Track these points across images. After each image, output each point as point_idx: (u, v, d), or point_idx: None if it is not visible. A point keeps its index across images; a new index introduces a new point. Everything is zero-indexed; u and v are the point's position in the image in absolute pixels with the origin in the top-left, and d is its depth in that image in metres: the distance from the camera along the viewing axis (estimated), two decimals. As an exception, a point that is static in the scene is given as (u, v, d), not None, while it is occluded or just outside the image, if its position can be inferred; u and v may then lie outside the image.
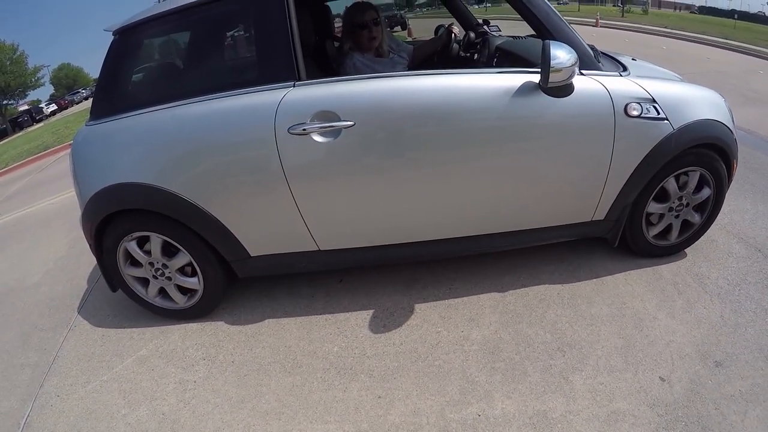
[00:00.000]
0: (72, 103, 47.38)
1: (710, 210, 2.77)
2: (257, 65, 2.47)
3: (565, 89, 2.26)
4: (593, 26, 22.55)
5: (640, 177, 2.48)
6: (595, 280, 2.79)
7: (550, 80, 2.16)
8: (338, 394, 2.28)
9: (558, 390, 2.14)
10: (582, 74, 2.33)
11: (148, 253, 2.69)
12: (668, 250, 2.89)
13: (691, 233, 2.86)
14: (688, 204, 2.72)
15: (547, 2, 2.39)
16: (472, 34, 3.51)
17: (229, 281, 2.83)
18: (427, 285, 2.92)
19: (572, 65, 2.14)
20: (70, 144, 3.24)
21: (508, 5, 2.46)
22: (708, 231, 2.90)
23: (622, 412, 2.00)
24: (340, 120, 2.27)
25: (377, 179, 2.41)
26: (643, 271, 2.81)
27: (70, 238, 4.64)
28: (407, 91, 2.33)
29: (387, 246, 2.63)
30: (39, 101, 50.34)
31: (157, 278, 2.77)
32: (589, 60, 2.39)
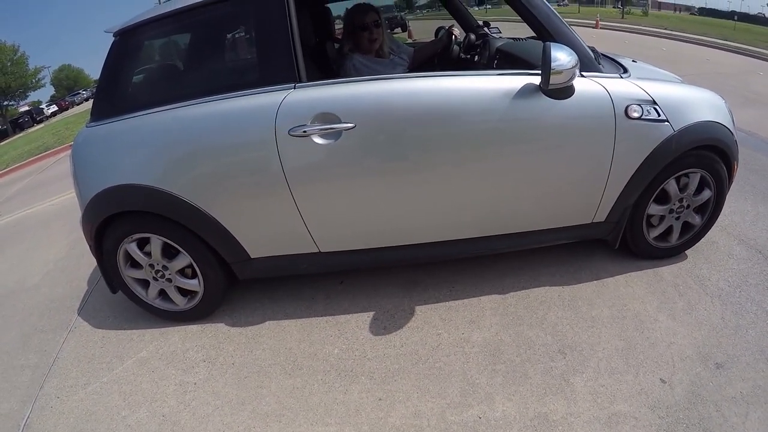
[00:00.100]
0: (72, 104, 47.43)
1: (711, 212, 2.77)
2: (258, 67, 2.47)
3: (565, 91, 2.25)
4: (593, 28, 22.54)
5: (641, 179, 2.48)
6: (595, 282, 2.79)
7: (550, 82, 2.16)
8: (339, 396, 2.28)
9: (559, 392, 2.14)
10: (582, 76, 2.33)
11: (149, 254, 2.69)
12: (669, 252, 2.89)
13: (692, 235, 2.85)
14: (688, 206, 2.72)
15: (548, 4, 2.39)
16: (473, 36, 3.51)
17: (229, 283, 2.83)
18: (428, 287, 2.91)
19: (573, 67, 2.14)
20: (70, 145, 3.23)
21: (508, 7, 2.46)
22: (709, 233, 2.90)
23: (623, 414, 2.00)
24: (340, 122, 2.27)
25: (378, 181, 2.41)
26: (644, 273, 2.81)
27: (70, 239, 4.64)
28: (408, 93, 2.32)
29: (387, 248, 2.63)
30: (40, 102, 50.37)
31: (157, 280, 2.77)
32: (589, 62, 2.39)
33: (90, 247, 2.75)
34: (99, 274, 3.38)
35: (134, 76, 2.72)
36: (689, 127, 2.45)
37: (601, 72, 2.42)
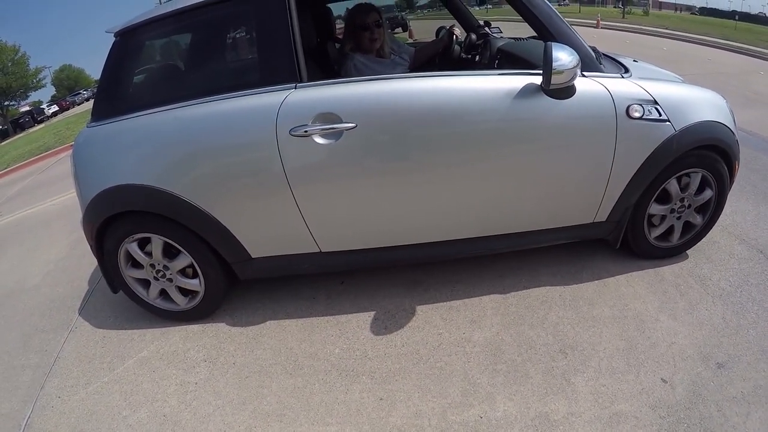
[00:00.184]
0: (73, 104, 47.45)
1: (712, 211, 2.77)
2: (259, 67, 2.46)
3: (566, 91, 2.25)
4: (594, 27, 22.55)
5: (642, 179, 2.48)
6: (596, 281, 2.78)
7: (552, 82, 2.15)
8: (340, 395, 2.28)
9: (560, 392, 2.14)
10: (584, 76, 2.33)
11: (150, 254, 2.69)
12: (670, 252, 2.89)
13: (693, 235, 2.85)
14: (689, 205, 2.71)
15: (549, 3, 2.39)
16: (474, 36, 3.51)
17: (230, 283, 2.83)
18: (429, 287, 2.91)
19: (574, 67, 2.14)
20: (71, 145, 3.23)
21: (509, 7, 2.46)
22: (710, 232, 2.90)
23: (624, 414, 2.00)
24: (341, 122, 2.27)
25: (379, 181, 2.41)
26: (645, 273, 2.81)
27: (71, 239, 4.64)
28: (409, 93, 2.32)
29: (388, 248, 2.63)
30: (40, 102, 50.44)
31: (158, 280, 2.77)
32: (590, 62, 2.39)
33: (91, 247, 2.75)
34: (100, 274, 3.38)
35: (135, 77, 2.72)
36: (690, 127, 2.45)
37: (603, 72, 2.42)
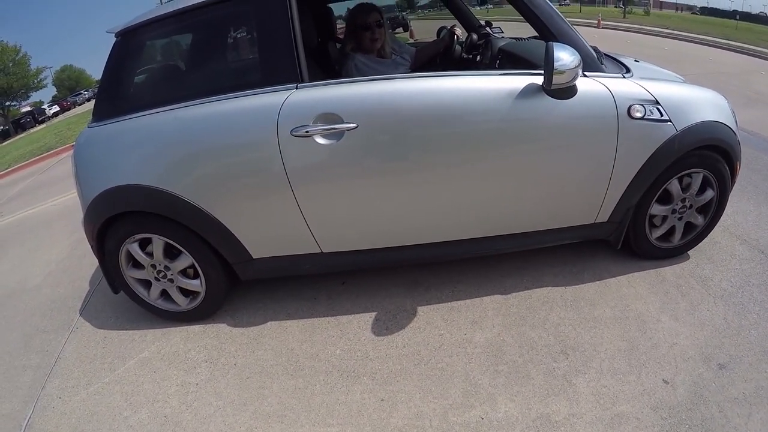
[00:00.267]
0: (74, 104, 47.51)
1: (713, 212, 2.77)
2: (260, 67, 2.46)
3: (568, 91, 2.25)
4: (595, 27, 22.54)
5: (644, 179, 2.48)
6: (598, 282, 2.78)
7: (553, 82, 2.15)
8: (341, 396, 2.28)
9: (561, 393, 2.13)
10: (585, 76, 2.32)
11: (150, 255, 2.69)
12: (671, 253, 2.89)
13: (694, 235, 2.85)
14: (691, 206, 2.71)
15: (550, 3, 2.38)
16: (475, 36, 3.51)
17: (231, 283, 2.83)
18: (430, 287, 2.91)
19: (575, 67, 2.13)
20: (72, 145, 3.23)
21: (510, 7, 2.46)
22: (711, 233, 2.89)
23: (625, 415, 2.00)
24: (342, 122, 2.27)
25: (380, 181, 2.41)
26: (646, 274, 2.80)
27: (72, 239, 4.64)
28: (410, 93, 2.32)
29: (389, 248, 2.63)
30: (41, 103, 50.46)
31: (159, 280, 2.77)
32: (592, 62, 2.39)
33: (92, 247, 2.75)
34: (101, 275, 3.38)
35: (136, 77, 2.72)
36: (692, 127, 2.44)
37: (604, 72, 2.42)
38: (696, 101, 2.55)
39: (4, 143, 28.86)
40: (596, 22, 23.75)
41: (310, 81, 2.35)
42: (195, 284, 2.76)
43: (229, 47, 2.94)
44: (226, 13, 2.53)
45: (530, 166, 2.42)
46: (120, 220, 2.59)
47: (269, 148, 2.32)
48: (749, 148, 4.13)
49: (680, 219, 2.75)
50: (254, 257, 2.65)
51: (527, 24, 2.45)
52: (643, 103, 2.36)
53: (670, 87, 2.53)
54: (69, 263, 4.17)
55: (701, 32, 20.35)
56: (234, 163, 2.41)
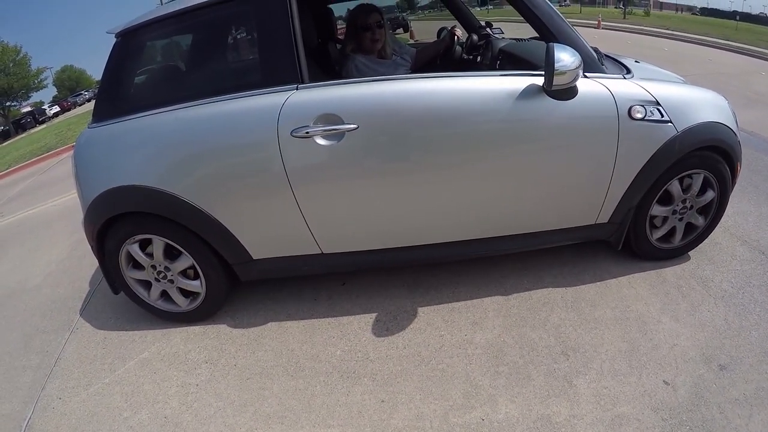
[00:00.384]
0: (75, 105, 47.56)
1: (714, 213, 2.76)
2: (260, 68, 2.46)
3: (569, 92, 2.24)
4: (595, 28, 22.55)
5: (644, 180, 2.48)
6: (598, 283, 2.78)
7: (554, 83, 2.15)
8: (341, 397, 2.28)
9: (562, 394, 2.13)
10: (586, 77, 2.32)
11: (151, 255, 2.69)
12: (672, 253, 2.88)
13: (695, 236, 2.85)
14: (691, 207, 2.71)
15: (550, 4, 2.38)
16: (475, 37, 3.51)
17: (231, 284, 2.82)
18: (431, 288, 2.91)
19: (576, 68, 2.13)
20: (72, 146, 3.24)
21: (510, 7, 2.46)
22: (712, 234, 2.89)
23: (626, 416, 1.99)
24: (343, 123, 2.26)
25: (380, 182, 2.41)
26: (647, 275, 2.80)
27: (72, 240, 4.64)
28: (410, 94, 2.32)
29: (390, 249, 2.62)
30: (42, 103, 50.50)
31: (159, 281, 2.77)
32: (592, 62, 2.39)
33: (92, 248, 2.75)
34: (101, 275, 3.38)
35: (136, 77, 2.72)
36: (692, 128, 2.44)
37: (605, 73, 2.42)
38: (696, 102, 2.55)
39: (4, 143, 28.88)
40: (596, 22, 23.77)
41: (311, 82, 2.35)
42: (195, 285, 2.76)
43: (230, 48, 2.94)
44: (226, 14, 2.53)
45: (531, 167, 2.42)
46: (120, 220, 2.59)
47: (270, 149, 2.31)
48: (750, 149, 4.13)
49: (681, 220, 2.74)
50: (254, 258, 2.64)
51: (528, 25, 2.45)
52: (643, 103, 2.36)
53: (670, 88, 2.53)
54: (69, 264, 4.17)
55: (701, 33, 20.37)
56: (234, 163, 2.41)
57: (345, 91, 2.35)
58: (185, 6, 2.45)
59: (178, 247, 2.64)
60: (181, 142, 2.45)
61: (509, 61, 2.90)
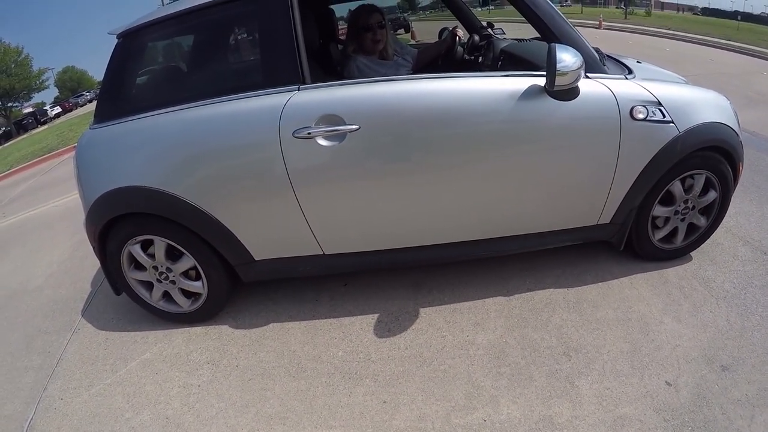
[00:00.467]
0: (76, 105, 47.62)
1: (716, 213, 2.76)
2: (262, 69, 2.46)
3: (570, 92, 2.24)
4: (596, 28, 22.54)
5: (646, 180, 2.47)
6: (600, 284, 2.78)
7: (556, 84, 2.14)
8: (343, 398, 2.28)
9: (564, 395, 2.13)
10: (587, 77, 2.32)
11: (152, 256, 2.69)
12: (674, 254, 2.88)
13: (697, 236, 2.84)
14: (693, 207, 2.70)
15: (551, 4, 2.38)
16: (477, 37, 3.50)
17: (233, 285, 2.83)
18: (432, 289, 2.91)
19: (578, 68, 2.12)
20: (74, 147, 3.24)
21: (512, 8, 2.45)
22: (714, 234, 2.89)
23: (628, 417, 1.99)
24: (345, 124, 2.26)
25: (382, 183, 2.40)
26: (649, 275, 2.80)
27: (73, 241, 4.65)
28: (412, 95, 2.32)
29: (391, 250, 2.62)
30: (43, 104, 50.59)
31: (161, 282, 2.77)
32: (594, 63, 2.38)
33: (94, 249, 2.75)
34: (102, 276, 3.37)
35: (138, 78, 2.72)
36: (694, 128, 2.44)
37: (606, 73, 2.41)
38: (698, 102, 2.54)
39: (6, 144, 28.92)
40: (597, 22, 23.75)
41: (312, 82, 2.35)
42: (197, 286, 2.76)
43: (231, 49, 2.94)
44: (227, 15, 2.53)
45: (532, 167, 2.42)
46: (122, 221, 2.59)
47: (271, 150, 2.31)
48: (751, 149, 4.13)
49: (683, 220, 2.74)
50: (256, 259, 2.64)
51: (529, 25, 2.45)
52: (645, 104, 2.36)
53: (672, 88, 2.53)
54: (71, 264, 4.17)
55: (702, 33, 20.36)
56: (236, 164, 2.41)
57: (347, 92, 2.35)
58: (187, 7, 2.45)
59: (180, 247, 2.64)
60: (183, 143, 2.45)
61: (511, 61, 2.90)
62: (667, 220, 2.73)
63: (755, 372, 2.13)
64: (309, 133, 2.27)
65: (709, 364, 2.19)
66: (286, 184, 2.36)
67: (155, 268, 2.72)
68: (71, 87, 60.51)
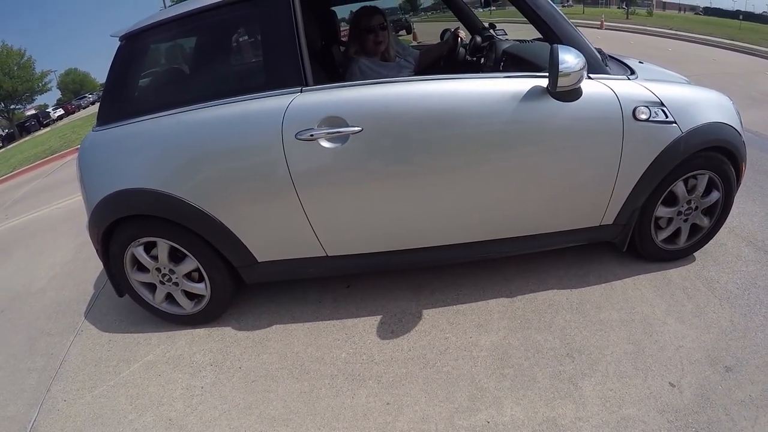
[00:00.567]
0: (79, 107, 47.67)
1: (719, 213, 2.76)
2: (264, 71, 2.46)
3: (573, 93, 2.24)
4: (598, 28, 22.51)
5: (649, 181, 2.47)
6: (603, 285, 2.77)
7: (558, 84, 2.14)
8: (346, 400, 2.28)
9: (567, 396, 2.13)
10: (590, 78, 2.32)
11: (155, 258, 2.69)
12: (677, 254, 2.88)
13: (700, 237, 2.84)
14: (696, 207, 2.70)
15: (553, 4, 2.37)
16: (479, 38, 3.50)
17: (236, 287, 2.83)
18: (435, 290, 2.90)
19: (580, 69, 2.12)
20: (76, 149, 3.24)
21: (513, 9, 2.45)
22: (717, 234, 2.88)
23: (631, 419, 1.99)
24: (347, 125, 2.26)
25: (385, 185, 2.41)
26: (652, 276, 2.79)
27: (76, 242, 4.66)
28: (415, 97, 2.32)
29: (394, 252, 2.62)
30: (46, 106, 50.59)
31: (164, 284, 2.77)
32: (596, 63, 2.38)
33: (97, 250, 2.76)
34: (105, 278, 3.38)
35: (140, 80, 2.73)
36: (697, 129, 2.43)
37: (609, 74, 2.41)
38: (701, 102, 2.54)
39: (9, 146, 28.98)
40: (599, 23, 23.73)
41: (315, 84, 2.35)
42: (200, 288, 2.76)
43: (234, 51, 2.94)
44: (230, 17, 2.53)
45: (535, 168, 2.42)
46: (125, 223, 2.59)
47: (274, 152, 2.31)
48: (754, 149, 4.12)
49: (686, 221, 2.74)
50: (259, 261, 2.64)
51: (531, 26, 2.45)
52: (648, 104, 2.36)
53: (674, 88, 2.53)
54: (74, 266, 4.18)
55: (705, 33, 20.33)
56: (239, 166, 2.41)
57: (349, 94, 2.35)
58: (189, 9, 2.46)
59: (183, 249, 2.64)
60: (186, 145, 2.45)
61: (513, 62, 2.90)
62: (670, 220, 2.73)
63: (759, 373, 2.12)
64: (312, 135, 2.27)
65: (713, 365, 2.19)
66: (289, 186, 2.36)
67: (158, 269, 2.72)
68: (74, 89, 60.50)
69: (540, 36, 2.54)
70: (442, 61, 3.53)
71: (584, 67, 2.14)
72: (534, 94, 2.28)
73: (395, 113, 2.31)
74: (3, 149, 28.18)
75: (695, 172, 2.58)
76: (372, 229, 2.54)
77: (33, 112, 45.14)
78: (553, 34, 2.34)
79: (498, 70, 2.95)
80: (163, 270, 2.72)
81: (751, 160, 2.89)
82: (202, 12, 2.45)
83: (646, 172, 2.44)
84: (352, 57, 2.95)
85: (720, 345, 2.29)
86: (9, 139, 34.40)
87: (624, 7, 40.73)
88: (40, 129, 36.22)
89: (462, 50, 3.53)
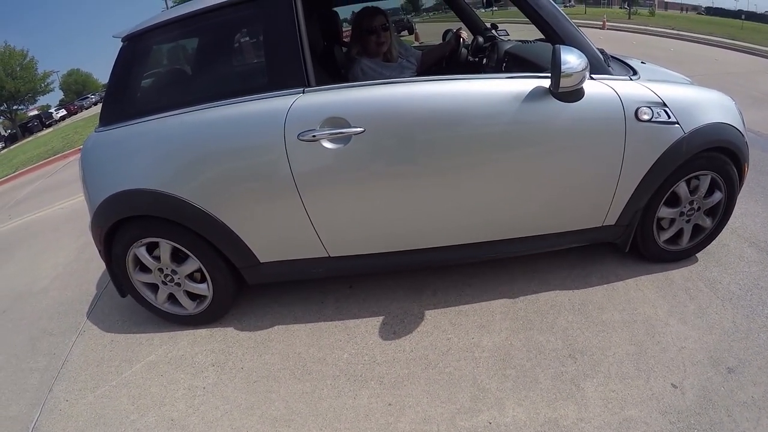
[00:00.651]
0: (81, 108, 47.81)
1: (721, 214, 2.75)
2: (266, 71, 2.46)
3: (575, 94, 2.23)
4: (600, 28, 22.48)
5: (651, 181, 2.47)
6: (606, 285, 2.77)
7: (560, 85, 2.13)
8: (348, 401, 2.28)
9: (569, 397, 2.12)
10: (592, 78, 2.31)
11: (158, 259, 2.69)
12: (679, 255, 2.87)
13: (703, 238, 2.83)
14: (699, 208, 2.70)
15: (555, 5, 2.37)
16: (481, 39, 3.50)
17: (238, 287, 2.83)
18: (438, 291, 2.90)
19: (583, 70, 2.12)
20: (79, 149, 3.25)
21: (516, 9, 2.45)
22: (719, 235, 2.88)
23: (634, 420, 1.98)
24: (350, 126, 2.26)
25: (387, 185, 2.41)
26: (655, 277, 2.79)
27: (79, 243, 4.66)
28: (417, 97, 2.32)
29: (397, 252, 2.62)
30: (48, 106, 50.71)
31: (166, 284, 2.78)
32: (599, 64, 2.38)
33: (99, 251, 2.76)
34: (108, 278, 3.38)
35: (143, 81, 2.73)
36: (700, 129, 2.43)
37: (611, 74, 2.41)
38: (703, 103, 2.54)
39: (11, 147, 29.05)
40: (601, 23, 23.71)
41: (317, 85, 2.35)
42: (202, 288, 2.76)
43: (236, 51, 2.95)
44: (232, 18, 2.53)
45: (538, 169, 2.41)
46: (127, 224, 2.60)
47: (276, 153, 2.32)
48: (757, 150, 4.09)
49: (688, 221, 2.73)
50: (261, 261, 2.65)
51: (533, 26, 2.44)
52: (650, 105, 2.35)
53: (677, 89, 2.52)
54: (76, 266, 4.19)
55: (707, 32, 20.30)
56: (241, 167, 2.41)
57: (351, 95, 2.35)
58: (191, 10, 2.46)
59: (185, 250, 2.64)
60: (188, 146, 2.45)
61: (515, 63, 2.90)
62: (672, 221, 2.72)
63: (761, 374, 2.12)
64: (314, 136, 2.27)
65: (715, 366, 2.19)
66: (291, 187, 2.36)
67: (160, 270, 2.73)
68: (76, 90, 60.67)
69: (542, 36, 2.54)
70: (445, 61, 3.53)
71: (586, 67, 2.13)
72: (536, 94, 2.28)
73: (397, 114, 2.31)
74: (6, 150, 28.27)
75: (698, 173, 2.58)
76: (374, 229, 2.54)
77: (35, 112, 45.30)
78: (555, 35, 2.34)
79: (500, 71, 2.95)
80: (166, 270, 2.72)
81: (754, 160, 2.88)
82: (204, 13, 2.45)
83: (649, 172, 2.44)
84: (354, 58, 2.95)
85: (722, 346, 2.29)
86: (12, 139, 34.51)
87: (626, 7, 40.68)
88: (42, 129, 36.33)
89: (464, 51, 3.52)
